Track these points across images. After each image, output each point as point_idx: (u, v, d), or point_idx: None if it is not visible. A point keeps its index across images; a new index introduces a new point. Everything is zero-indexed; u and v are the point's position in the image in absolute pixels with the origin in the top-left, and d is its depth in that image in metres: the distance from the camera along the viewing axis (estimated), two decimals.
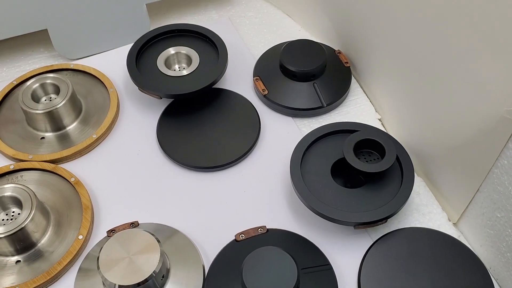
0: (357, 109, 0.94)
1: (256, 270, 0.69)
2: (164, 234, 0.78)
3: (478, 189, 0.73)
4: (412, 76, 0.81)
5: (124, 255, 0.69)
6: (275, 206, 0.83)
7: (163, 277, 0.72)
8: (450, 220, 0.80)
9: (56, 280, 0.76)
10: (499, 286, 0.75)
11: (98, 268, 0.69)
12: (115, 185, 0.87)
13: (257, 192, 0.85)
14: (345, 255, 0.77)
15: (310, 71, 0.92)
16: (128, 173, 0.88)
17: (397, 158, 0.80)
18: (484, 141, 0.69)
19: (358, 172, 0.81)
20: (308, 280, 0.72)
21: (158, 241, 0.71)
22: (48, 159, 0.88)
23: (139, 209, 0.84)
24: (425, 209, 0.81)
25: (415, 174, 0.79)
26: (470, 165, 0.74)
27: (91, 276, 0.75)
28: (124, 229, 0.76)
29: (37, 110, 0.89)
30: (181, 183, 0.87)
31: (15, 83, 0.98)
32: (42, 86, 0.92)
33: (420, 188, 0.83)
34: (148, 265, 0.68)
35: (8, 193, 0.78)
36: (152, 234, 0.72)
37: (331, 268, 0.74)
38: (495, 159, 0.68)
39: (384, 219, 0.75)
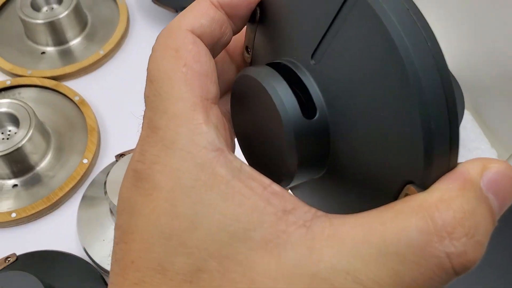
0: None
1: None
2: None
3: None
4: None
5: None
6: None
7: None
8: (500, 158, 0.71)
9: (57, 208, 0.68)
10: None
11: (106, 193, 0.60)
12: (124, 107, 0.78)
13: None
14: None
15: None
16: (139, 95, 0.78)
17: None
18: None
19: None
20: None
21: None
22: (49, 75, 0.78)
23: None
24: (471, 145, 0.72)
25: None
26: None
27: (96, 204, 0.67)
28: None
29: (37, 20, 0.79)
30: None
31: None
32: None
33: (467, 123, 0.74)
34: None
35: (3, 109, 0.69)
36: None
37: None
38: None
39: None
